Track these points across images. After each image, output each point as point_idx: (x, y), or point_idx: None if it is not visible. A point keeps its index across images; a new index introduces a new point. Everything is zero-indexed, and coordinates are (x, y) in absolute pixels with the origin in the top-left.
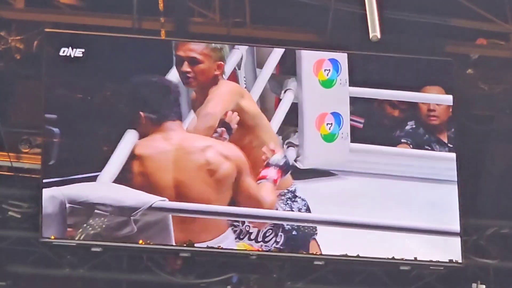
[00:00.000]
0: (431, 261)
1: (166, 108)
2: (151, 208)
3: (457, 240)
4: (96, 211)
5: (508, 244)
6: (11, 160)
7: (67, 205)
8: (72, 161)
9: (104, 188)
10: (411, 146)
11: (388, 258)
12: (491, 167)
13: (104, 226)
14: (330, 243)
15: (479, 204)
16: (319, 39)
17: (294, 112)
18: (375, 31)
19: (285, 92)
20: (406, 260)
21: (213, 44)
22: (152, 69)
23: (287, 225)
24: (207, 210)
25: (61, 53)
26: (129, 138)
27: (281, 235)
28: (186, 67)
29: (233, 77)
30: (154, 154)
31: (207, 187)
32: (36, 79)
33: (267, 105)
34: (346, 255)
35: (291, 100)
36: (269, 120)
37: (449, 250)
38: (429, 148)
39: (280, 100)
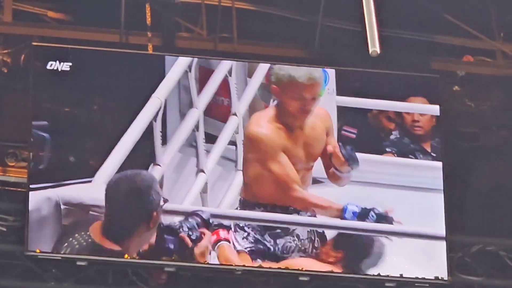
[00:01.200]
0: (416, 278)
1: None
2: None
3: (443, 257)
4: (90, 212)
5: (494, 262)
6: None
7: (62, 206)
8: (59, 168)
9: (98, 190)
10: (395, 155)
11: (373, 275)
12: (477, 184)
13: (90, 240)
14: None
15: (465, 221)
16: (307, 54)
17: None
18: (374, 47)
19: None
20: (391, 277)
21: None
22: (138, 83)
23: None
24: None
25: (48, 67)
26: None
27: (317, 240)
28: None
29: (225, 84)
30: None
31: None
32: (23, 92)
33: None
34: (331, 271)
35: None
36: None
37: (435, 267)
38: (413, 157)
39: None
